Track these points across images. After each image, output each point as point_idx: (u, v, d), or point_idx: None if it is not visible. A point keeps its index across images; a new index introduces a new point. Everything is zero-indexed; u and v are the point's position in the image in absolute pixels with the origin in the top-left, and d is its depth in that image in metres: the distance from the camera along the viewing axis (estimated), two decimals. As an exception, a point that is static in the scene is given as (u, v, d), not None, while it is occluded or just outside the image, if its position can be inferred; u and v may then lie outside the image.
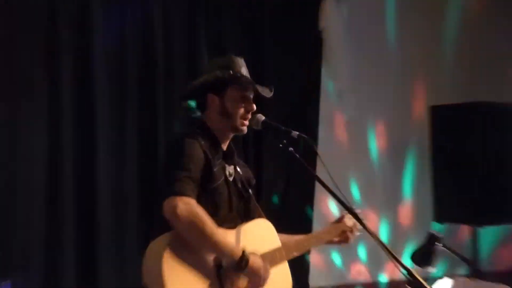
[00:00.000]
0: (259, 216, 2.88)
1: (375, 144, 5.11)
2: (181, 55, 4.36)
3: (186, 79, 4.10)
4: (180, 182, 2.49)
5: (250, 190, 2.88)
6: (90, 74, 4.05)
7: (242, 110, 2.75)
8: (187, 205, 2.45)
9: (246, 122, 2.77)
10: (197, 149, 2.61)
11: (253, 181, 2.97)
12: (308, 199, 4.82)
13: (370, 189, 4.99)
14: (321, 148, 2.55)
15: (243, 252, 2.55)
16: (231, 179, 2.78)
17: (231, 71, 2.74)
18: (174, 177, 2.50)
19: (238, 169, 2.86)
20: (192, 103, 2.82)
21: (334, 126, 5.04)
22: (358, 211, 2.84)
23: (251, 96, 2.79)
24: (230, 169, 2.79)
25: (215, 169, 2.66)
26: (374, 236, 2.48)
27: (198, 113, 2.82)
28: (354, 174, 5.01)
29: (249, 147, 4.55)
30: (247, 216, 2.84)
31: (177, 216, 2.44)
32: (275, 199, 4.69)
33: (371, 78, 5.03)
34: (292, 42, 4.77)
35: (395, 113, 5.08)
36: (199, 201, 2.52)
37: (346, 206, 2.61)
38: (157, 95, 4.26)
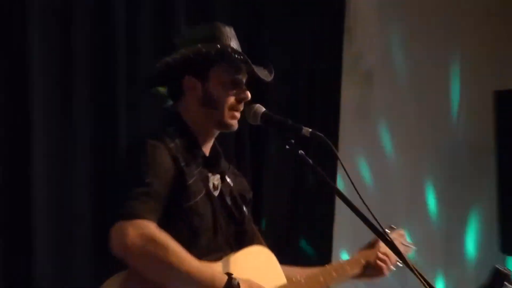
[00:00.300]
0: (258, 243, 2.87)
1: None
2: (148, 22, 4.34)
3: (155, 55, 4.07)
4: (133, 201, 2.47)
5: (244, 208, 2.89)
6: (24, 44, 3.99)
7: (232, 99, 2.75)
8: (141, 230, 2.43)
9: (237, 115, 2.75)
10: (162, 155, 2.60)
11: (250, 195, 2.97)
12: (326, 219, 4.80)
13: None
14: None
15: (230, 276, 2.51)
16: (216, 193, 2.77)
17: (218, 45, 2.72)
18: (126, 195, 2.49)
19: (228, 180, 2.85)
20: (163, 89, 2.80)
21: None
22: (398, 234, 2.82)
23: (244, 80, 2.77)
24: (215, 179, 2.78)
25: (190, 181, 2.64)
26: (416, 272, 2.46)
27: (170, 102, 2.80)
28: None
29: (244, 149, 4.57)
30: (240, 243, 2.83)
31: (128, 247, 2.41)
32: (280, 219, 4.67)
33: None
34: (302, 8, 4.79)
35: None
36: (171, 226, 2.51)
37: (375, 229, 2.59)
38: (117, 77, 4.23)
